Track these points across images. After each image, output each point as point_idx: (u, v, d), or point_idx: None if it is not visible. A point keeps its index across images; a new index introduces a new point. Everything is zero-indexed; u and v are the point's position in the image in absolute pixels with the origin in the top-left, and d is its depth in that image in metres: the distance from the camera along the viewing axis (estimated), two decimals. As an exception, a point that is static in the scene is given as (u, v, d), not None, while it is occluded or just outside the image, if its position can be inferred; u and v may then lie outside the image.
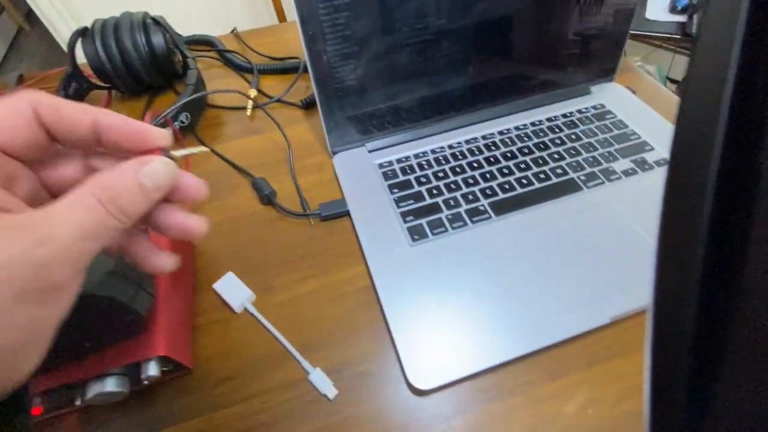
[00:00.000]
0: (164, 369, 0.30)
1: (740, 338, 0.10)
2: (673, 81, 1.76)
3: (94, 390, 0.27)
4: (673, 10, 1.36)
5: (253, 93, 0.54)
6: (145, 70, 0.53)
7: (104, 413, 0.31)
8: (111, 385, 0.27)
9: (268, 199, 0.42)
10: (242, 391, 0.31)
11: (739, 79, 0.10)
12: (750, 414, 0.10)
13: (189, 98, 0.48)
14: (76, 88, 0.53)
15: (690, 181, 0.10)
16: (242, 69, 0.59)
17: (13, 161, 0.16)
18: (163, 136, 0.17)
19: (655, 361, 0.11)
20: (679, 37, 1.35)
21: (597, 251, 0.36)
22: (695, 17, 1.30)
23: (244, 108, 0.54)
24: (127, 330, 0.27)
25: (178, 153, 0.19)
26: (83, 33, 0.52)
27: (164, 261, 0.19)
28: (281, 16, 1.37)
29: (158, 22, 0.53)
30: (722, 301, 0.10)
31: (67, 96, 0.51)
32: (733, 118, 0.10)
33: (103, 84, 0.56)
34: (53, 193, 0.18)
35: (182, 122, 0.50)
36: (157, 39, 0.52)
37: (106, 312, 0.25)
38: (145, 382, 0.29)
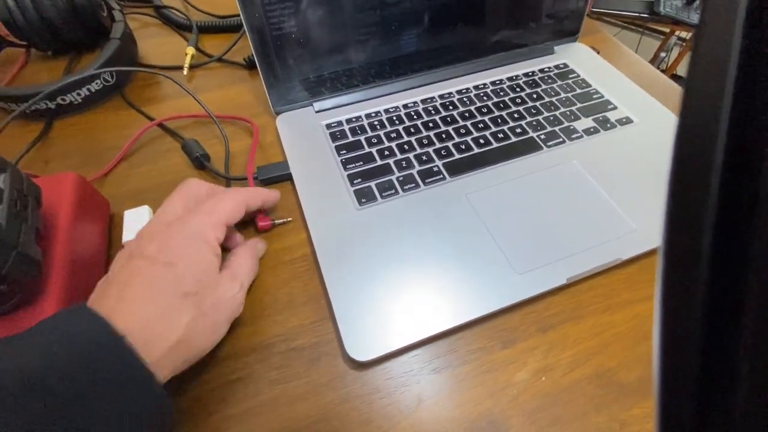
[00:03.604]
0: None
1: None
2: (641, 62, 1.78)
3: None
4: (642, -12, 1.36)
5: (191, 51, 0.49)
6: (64, 24, 0.47)
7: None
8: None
9: (200, 162, 0.38)
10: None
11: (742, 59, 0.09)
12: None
13: (111, 54, 0.43)
14: (-18, 43, 0.47)
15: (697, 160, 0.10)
16: (180, 26, 0.54)
17: None
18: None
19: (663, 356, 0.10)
20: (647, 15, 1.36)
21: (554, 211, 0.33)
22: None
23: (181, 68, 0.48)
24: (4, 302, 0.23)
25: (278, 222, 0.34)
26: (-11, -21, 0.45)
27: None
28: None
29: (78, -31, 0.47)
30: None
31: (-30, 51, 0.45)
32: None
33: (18, 41, 0.49)
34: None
35: (106, 80, 0.44)
36: (77, -13, 0.46)
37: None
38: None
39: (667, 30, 1.56)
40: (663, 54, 1.64)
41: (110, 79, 0.44)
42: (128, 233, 0.32)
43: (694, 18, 1.28)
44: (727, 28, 0.09)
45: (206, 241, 0.25)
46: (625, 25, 1.76)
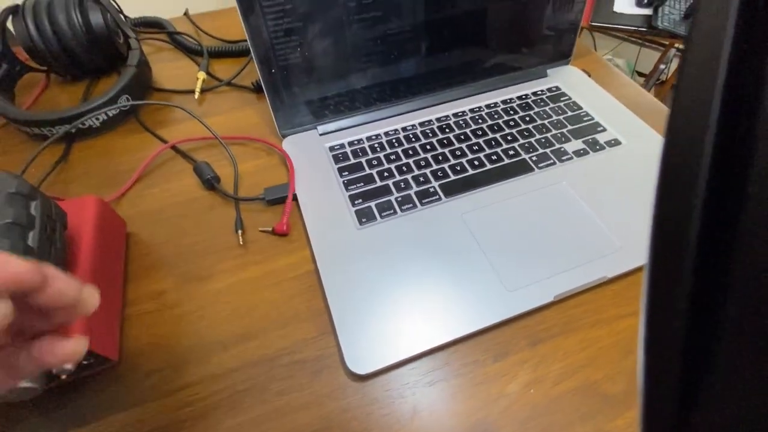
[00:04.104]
0: (84, 362, 0.28)
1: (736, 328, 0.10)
2: (641, 74, 1.80)
3: None
4: (639, 3, 1.39)
5: (202, 76, 0.52)
6: (83, 51, 0.50)
7: (19, 411, 0.28)
8: (19, 380, 0.25)
9: (210, 183, 0.40)
10: (171, 383, 0.29)
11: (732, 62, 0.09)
12: (745, 408, 0.10)
13: (127, 80, 0.46)
14: (6, 70, 0.50)
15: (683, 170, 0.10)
16: (192, 51, 0.57)
17: None
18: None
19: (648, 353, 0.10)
20: (645, 29, 1.38)
21: (544, 231, 0.35)
22: (660, 10, 1.33)
23: (193, 92, 0.51)
24: (34, 319, 0.25)
25: None
26: (15, 11, 0.48)
27: (72, 345, 0.18)
28: None
29: (97, 1, 0.50)
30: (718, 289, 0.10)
31: (-4, 78, 0.48)
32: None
33: (39, 67, 0.52)
34: None
35: (123, 106, 0.47)
36: (96, 18, 0.49)
37: (5, 299, 0.23)
38: (62, 377, 0.27)
39: (666, 42, 1.59)
40: (662, 66, 1.66)
41: (127, 104, 0.47)
42: None
43: (692, 32, 1.30)
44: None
45: None
46: (625, 37, 1.78)
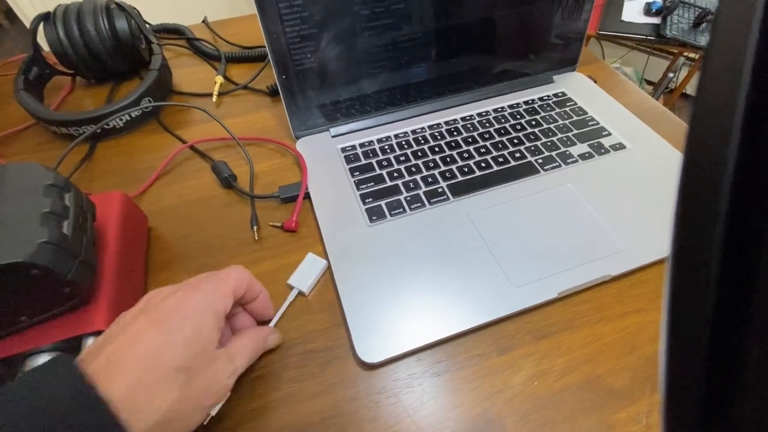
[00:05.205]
0: (108, 346, 0.29)
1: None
2: (649, 82, 1.80)
3: (31, 365, 0.27)
4: (647, 12, 1.40)
5: (219, 80, 0.54)
6: (108, 55, 0.52)
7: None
8: (49, 360, 0.27)
9: (227, 182, 0.42)
10: (189, 368, 0.31)
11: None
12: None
13: (150, 83, 0.48)
14: (37, 73, 0.52)
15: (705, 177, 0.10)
16: (210, 57, 0.59)
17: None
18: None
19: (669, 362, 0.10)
20: (653, 38, 1.39)
21: (548, 231, 0.36)
22: (668, 19, 1.34)
23: (211, 95, 0.53)
24: (65, 303, 0.27)
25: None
26: (46, 17, 0.51)
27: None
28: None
29: (122, 8, 0.53)
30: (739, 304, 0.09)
31: (27, 81, 0.50)
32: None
33: (66, 70, 0.55)
34: None
35: (145, 107, 0.49)
36: (121, 24, 0.52)
37: (41, 282, 0.24)
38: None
39: (675, 51, 1.59)
40: (671, 74, 1.66)
41: (149, 106, 0.49)
42: (298, 276, 0.35)
43: (701, 40, 1.30)
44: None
45: (215, 311, 0.25)
46: (634, 45, 1.79)
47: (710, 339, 0.09)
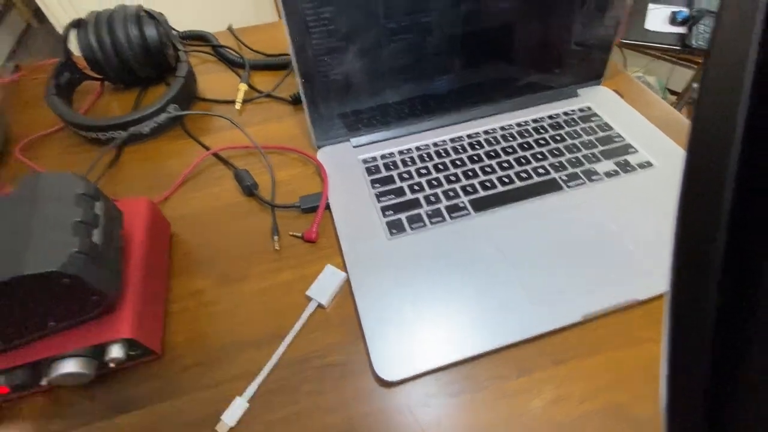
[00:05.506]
0: (131, 353, 0.30)
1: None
2: (672, 92, 1.76)
3: (58, 370, 0.27)
4: (673, 21, 1.37)
5: (243, 87, 0.55)
6: (137, 62, 0.53)
7: (70, 395, 0.31)
8: (75, 366, 0.27)
9: (249, 190, 0.42)
10: (209, 377, 0.31)
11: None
12: None
13: (177, 91, 0.49)
14: (68, 78, 0.54)
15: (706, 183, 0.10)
16: (234, 64, 0.60)
17: None
18: None
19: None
20: (678, 48, 1.36)
21: (572, 250, 0.36)
22: (694, 29, 1.31)
23: (234, 102, 0.54)
24: (92, 310, 0.27)
25: None
26: (78, 24, 0.53)
27: None
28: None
29: (152, 16, 0.54)
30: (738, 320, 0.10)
31: (57, 86, 0.52)
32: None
33: (95, 75, 0.56)
34: None
35: (170, 114, 0.50)
36: (150, 32, 0.53)
37: (71, 290, 0.25)
38: (111, 365, 0.29)
39: (700, 60, 1.55)
40: (695, 85, 1.62)
41: (173, 112, 0.50)
42: (317, 287, 0.35)
43: (729, 51, 1.27)
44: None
45: None
46: (659, 55, 1.75)
47: (713, 341, 0.09)
